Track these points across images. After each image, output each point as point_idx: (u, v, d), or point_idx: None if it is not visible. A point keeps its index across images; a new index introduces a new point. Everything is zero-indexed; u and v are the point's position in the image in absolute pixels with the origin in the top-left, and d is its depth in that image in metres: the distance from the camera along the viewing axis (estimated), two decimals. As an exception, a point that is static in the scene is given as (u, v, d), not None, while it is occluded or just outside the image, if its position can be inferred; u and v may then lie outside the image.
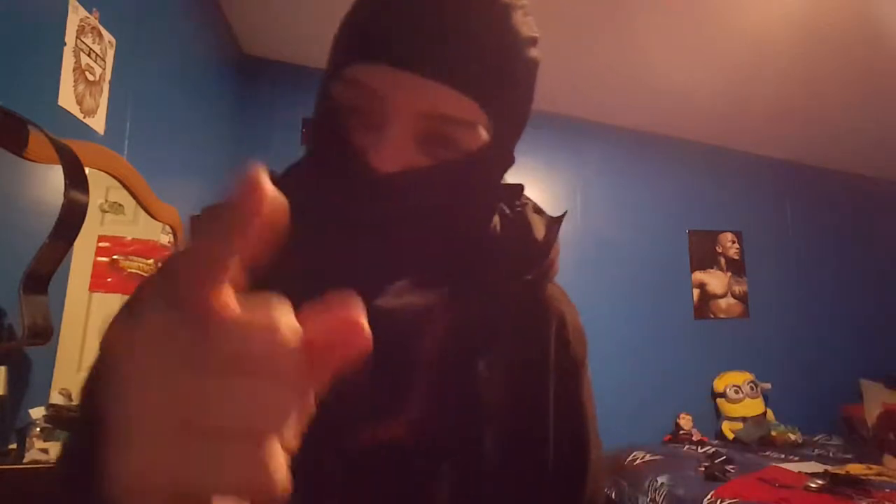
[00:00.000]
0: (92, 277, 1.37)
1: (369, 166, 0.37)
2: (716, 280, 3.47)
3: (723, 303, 3.46)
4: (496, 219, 0.48)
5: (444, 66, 0.36)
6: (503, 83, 0.39)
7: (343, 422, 0.40)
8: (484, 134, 0.39)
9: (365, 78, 0.37)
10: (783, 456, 2.79)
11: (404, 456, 0.42)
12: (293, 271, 0.38)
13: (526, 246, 0.47)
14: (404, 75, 0.36)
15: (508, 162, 0.46)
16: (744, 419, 3.14)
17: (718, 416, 3.24)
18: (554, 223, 0.50)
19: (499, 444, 0.45)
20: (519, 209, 0.49)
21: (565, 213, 0.51)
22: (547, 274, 0.51)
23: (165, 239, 1.85)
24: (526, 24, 0.40)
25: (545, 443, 0.48)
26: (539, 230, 0.48)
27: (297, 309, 0.37)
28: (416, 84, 0.36)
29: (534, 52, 0.41)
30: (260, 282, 0.36)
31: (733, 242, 3.54)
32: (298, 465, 0.35)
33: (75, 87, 1.26)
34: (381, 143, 0.37)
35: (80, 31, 1.27)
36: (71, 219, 0.98)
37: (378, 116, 0.38)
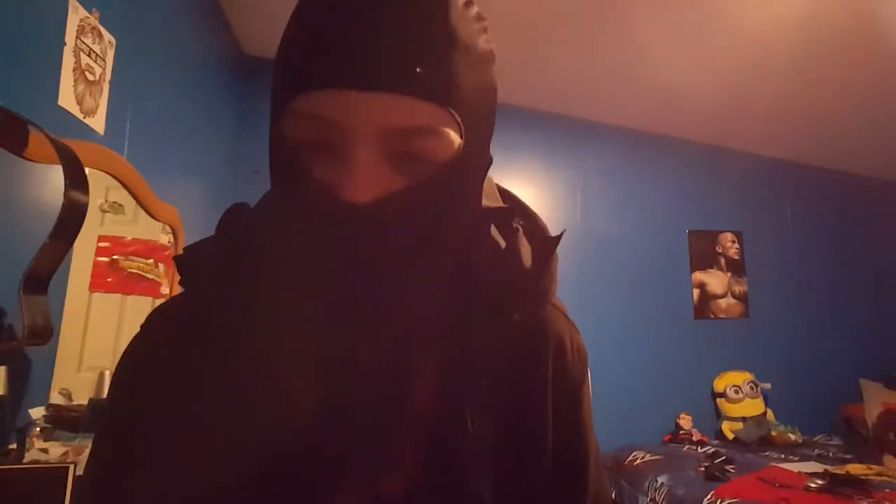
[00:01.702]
0: (92, 277, 1.37)
1: (343, 202, 0.34)
2: (716, 280, 3.47)
3: (723, 303, 3.46)
4: (482, 251, 0.45)
5: (395, 75, 0.33)
6: (460, 78, 0.35)
7: (335, 479, 0.39)
8: (455, 137, 0.36)
9: (313, 108, 0.34)
10: (783, 456, 2.79)
11: None
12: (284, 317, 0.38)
13: (514, 278, 0.44)
14: (352, 95, 0.33)
15: (486, 162, 0.42)
16: (744, 419, 3.14)
17: (718, 416, 3.24)
18: (546, 249, 0.46)
19: (496, 490, 0.43)
20: (510, 236, 0.46)
21: (562, 233, 0.48)
22: (541, 303, 0.47)
23: (165, 239, 1.85)
24: (468, 12, 0.37)
25: (542, 478, 0.46)
26: (527, 259, 0.45)
27: (286, 348, 0.38)
28: (366, 101, 0.33)
29: (482, 39, 0.38)
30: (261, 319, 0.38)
31: (733, 242, 3.54)
32: None
33: (75, 87, 1.26)
34: (350, 173, 0.34)
35: (80, 31, 1.27)
36: (71, 219, 0.98)
37: (338, 145, 0.34)
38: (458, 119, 0.36)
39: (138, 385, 0.44)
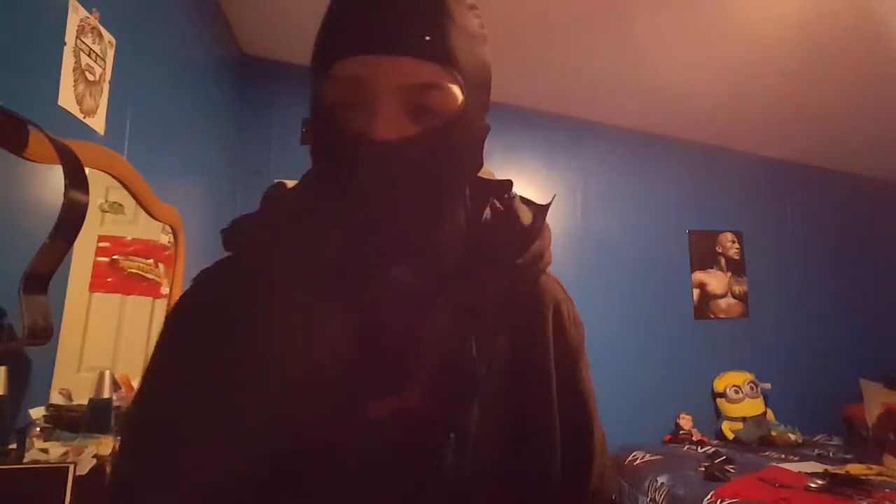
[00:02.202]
0: (92, 277, 1.37)
1: (372, 141, 0.44)
2: (716, 280, 3.48)
3: (723, 303, 3.47)
4: (487, 211, 0.54)
5: (410, 43, 0.44)
6: (458, 47, 0.46)
7: (351, 396, 0.46)
8: (457, 93, 0.46)
9: (350, 70, 0.44)
10: (783, 456, 2.80)
11: (412, 427, 0.47)
12: (319, 253, 0.47)
13: (514, 231, 0.53)
14: (381, 59, 0.44)
15: (484, 128, 0.52)
16: (744, 419, 3.14)
17: (718, 416, 3.24)
18: (540, 211, 0.55)
19: (502, 419, 0.50)
20: (507, 201, 0.55)
21: (552, 199, 0.56)
22: (538, 263, 0.54)
23: (165, 239, 1.85)
24: (465, 3, 0.48)
25: (549, 419, 0.52)
26: (526, 217, 0.54)
27: (324, 284, 0.46)
28: (391, 63, 0.44)
29: (475, 23, 0.49)
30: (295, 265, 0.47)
31: (733, 242, 3.54)
32: (317, 436, 0.44)
33: (75, 87, 1.26)
34: (376, 119, 0.44)
35: (80, 31, 1.27)
36: (71, 219, 0.98)
37: (368, 99, 0.44)
38: (459, 79, 0.45)
39: (194, 328, 0.51)
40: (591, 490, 0.55)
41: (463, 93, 0.46)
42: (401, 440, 0.47)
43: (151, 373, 0.51)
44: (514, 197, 0.55)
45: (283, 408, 0.44)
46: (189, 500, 0.44)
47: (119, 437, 0.54)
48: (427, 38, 0.44)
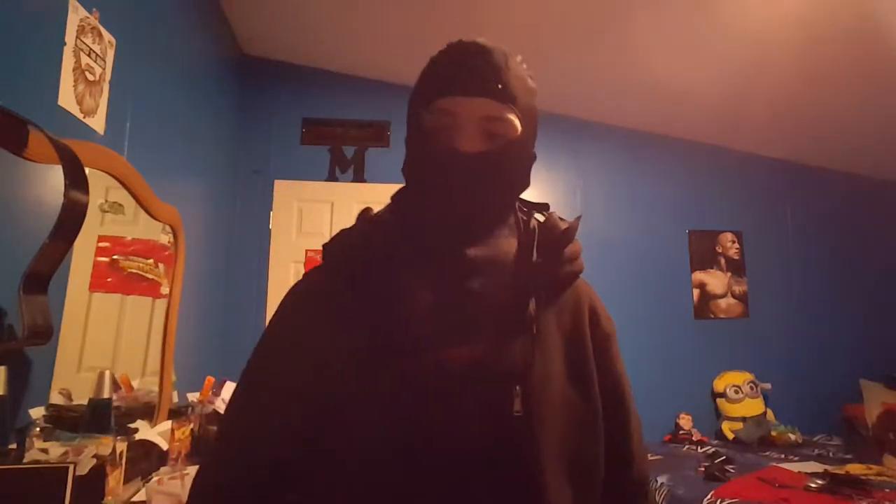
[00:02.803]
0: (92, 277, 1.37)
1: (456, 149, 0.62)
2: (716, 280, 3.48)
3: (723, 303, 3.47)
4: (533, 221, 0.71)
5: (486, 88, 0.63)
6: (518, 93, 0.64)
7: (426, 344, 0.59)
8: (517, 125, 0.64)
9: (446, 105, 0.63)
10: (783, 456, 2.79)
11: (479, 375, 0.59)
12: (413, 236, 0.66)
13: (557, 231, 0.70)
14: (467, 99, 0.63)
15: (533, 155, 0.70)
16: (744, 419, 3.14)
17: (718, 416, 3.24)
18: (574, 222, 0.72)
19: (557, 379, 0.63)
20: (549, 214, 0.73)
21: (580, 217, 0.73)
22: (577, 260, 0.71)
23: (165, 239, 1.85)
24: (522, 66, 0.67)
25: (592, 386, 0.65)
26: (563, 225, 0.71)
27: (416, 263, 0.64)
28: (473, 102, 0.63)
29: (530, 80, 0.68)
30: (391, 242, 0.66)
31: (733, 242, 3.54)
32: (392, 379, 0.58)
33: (75, 87, 1.26)
34: (461, 139, 0.63)
35: (80, 31, 1.27)
36: (71, 219, 0.98)
37: (455, 126, 0.63)
38: (518, 115, 0.64)
39: (298, 321, 0.66)
40: (632, 452, 0.71)
41: (521, 125, 0.65)
42: (476, 390, 0.58)
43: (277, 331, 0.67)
44: (553, 213, 0.73)
45: (384, 360, 0.58)
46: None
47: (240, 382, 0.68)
48: (500, 86, 0.62)
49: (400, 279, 0.63)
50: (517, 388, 0.58)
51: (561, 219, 0.72)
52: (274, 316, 0.68)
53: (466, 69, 0.63)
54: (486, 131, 0.63)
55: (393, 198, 0.73)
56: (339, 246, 0.69)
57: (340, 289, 0.65)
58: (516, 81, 0.64)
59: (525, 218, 0.71)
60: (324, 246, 0.70)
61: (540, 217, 0.72)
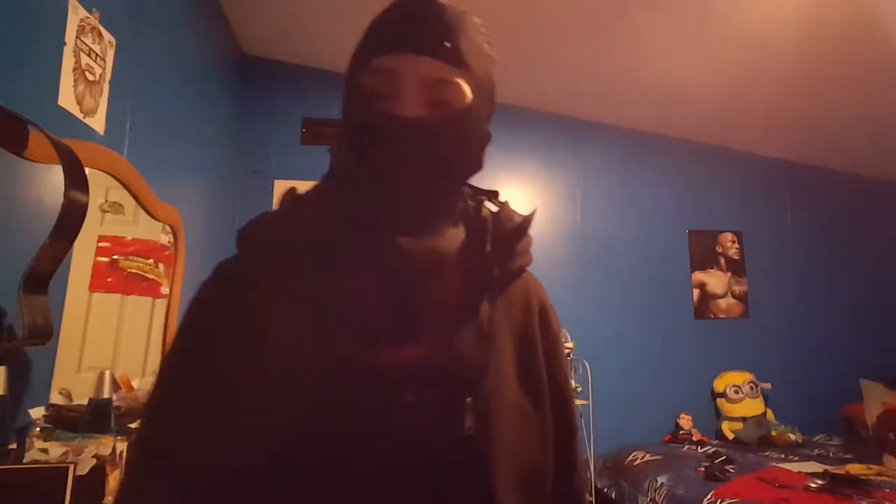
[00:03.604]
0: (92, 277, 1.37)
1: (395, 115, 0.53)
2: (716, 280, 3.48)
3: (723, 303, 3.47)
4: (485, 210, 0.63)
5: (432, 46, 0.53)
6: (470, 56, 0.55)
7: (367, 341, 0.51)
8: (467, 91, 0.55)
9: (385, 63, 0.54)
10: (783, 456, 2.80)
11: (425, 377, 0.52)
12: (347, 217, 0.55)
13: (511, 223, 0.62)
14: (409, 56, 0.53)
15: (487, 133, 0.61)
16: (744, 419, 3.14)
17: (718, 416, 3.24)
18: (529, 216, 0.64)
19: (509, 386, 0.56)
20: (503, 204, 0.65)
21: (535, 210, 0.64)
22: (527, 254, 0.64)
23: (165, 239, 1.85)
24: (480, 30, 0.58)
25: (543, 394, 0.59)
26: (517, 217, 0.63)
27: (351, 238, 0.55)
28: (417, 61, 0.53)
29: (485, 45, 0.59)
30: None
31: (733, 242, 3.54)
32: (332, 376, 0.49)
33: (75, 87, 1.26)
34: (401, 102, 0.53)
35: (80, 31, 1.27)
36: (71, 219, 0.98)
37: (395, 88, 0.53)
38: (469, 80, 0.55)
39: (212, 316, 0.57)
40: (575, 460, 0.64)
41: (472, 93, 0.55)
42: (420, 403, 0.51)
43: (179, 349, 0.57)
44: (506, 203, 0.65)
45: (313, 358, 0.50)
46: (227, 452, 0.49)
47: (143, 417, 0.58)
48: (447, 44, 0.54)
49: (326, 272, 0.54)
50: (468, 399, 0.51)
51: (513, 210, 0.66)
52: (186, 315, 0.58)
53: (412, 24, 0.54)
54: (430, 98, 0.53)
55: (326, 175, 0.62)
56: (254, 233, 0.59)
57: (256, 283, 0.55)
58: (470, 44, 0.55)
59: (475, 205, 0.62)
60: (238, 231, 0.60)
61: (492, 206, 0.63)
